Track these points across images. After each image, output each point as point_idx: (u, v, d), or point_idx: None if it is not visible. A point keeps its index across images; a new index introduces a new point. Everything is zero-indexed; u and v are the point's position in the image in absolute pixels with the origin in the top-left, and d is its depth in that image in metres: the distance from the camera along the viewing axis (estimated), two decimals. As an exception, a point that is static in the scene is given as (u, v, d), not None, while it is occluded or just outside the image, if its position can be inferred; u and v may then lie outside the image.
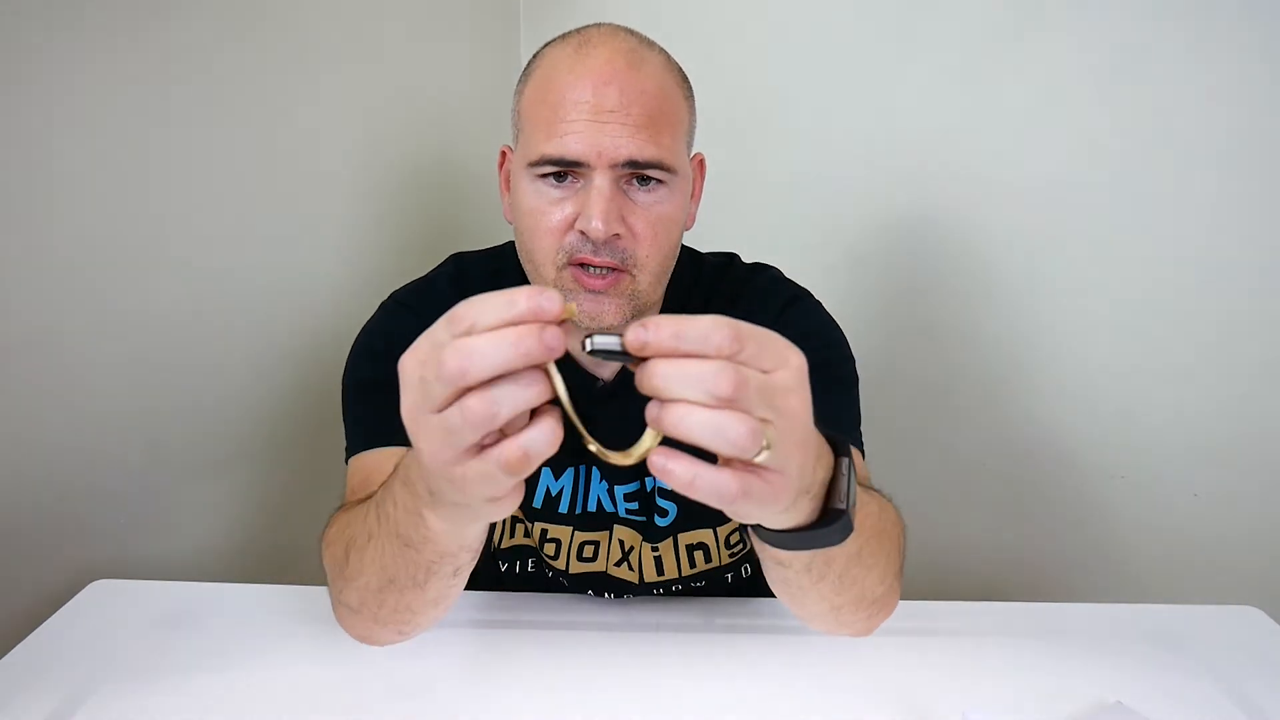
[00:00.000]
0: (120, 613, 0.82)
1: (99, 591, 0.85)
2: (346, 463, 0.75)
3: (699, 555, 0.82)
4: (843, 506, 0.49)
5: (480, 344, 0.38)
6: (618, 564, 0.82)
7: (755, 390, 0.39)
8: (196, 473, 1.01)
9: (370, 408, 0.74)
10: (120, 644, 0.77)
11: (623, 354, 0.39)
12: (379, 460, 0.70)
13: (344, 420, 0.76)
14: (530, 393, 0.38)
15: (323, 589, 0.85)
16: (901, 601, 0.83)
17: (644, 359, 0.39)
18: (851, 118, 1.35)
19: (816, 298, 0.82)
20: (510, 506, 0.44)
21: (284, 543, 1.14)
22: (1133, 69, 1.20)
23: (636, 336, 0.38)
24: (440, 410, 0.39)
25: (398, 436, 0.59)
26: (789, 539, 0.49)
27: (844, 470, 0.49)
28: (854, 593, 0.60)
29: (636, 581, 0.82)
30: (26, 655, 0.75)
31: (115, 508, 0.93)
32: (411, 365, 0.41)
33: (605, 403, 0.76)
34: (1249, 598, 0.88)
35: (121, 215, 0.89)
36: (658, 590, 0.84)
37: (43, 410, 0.86)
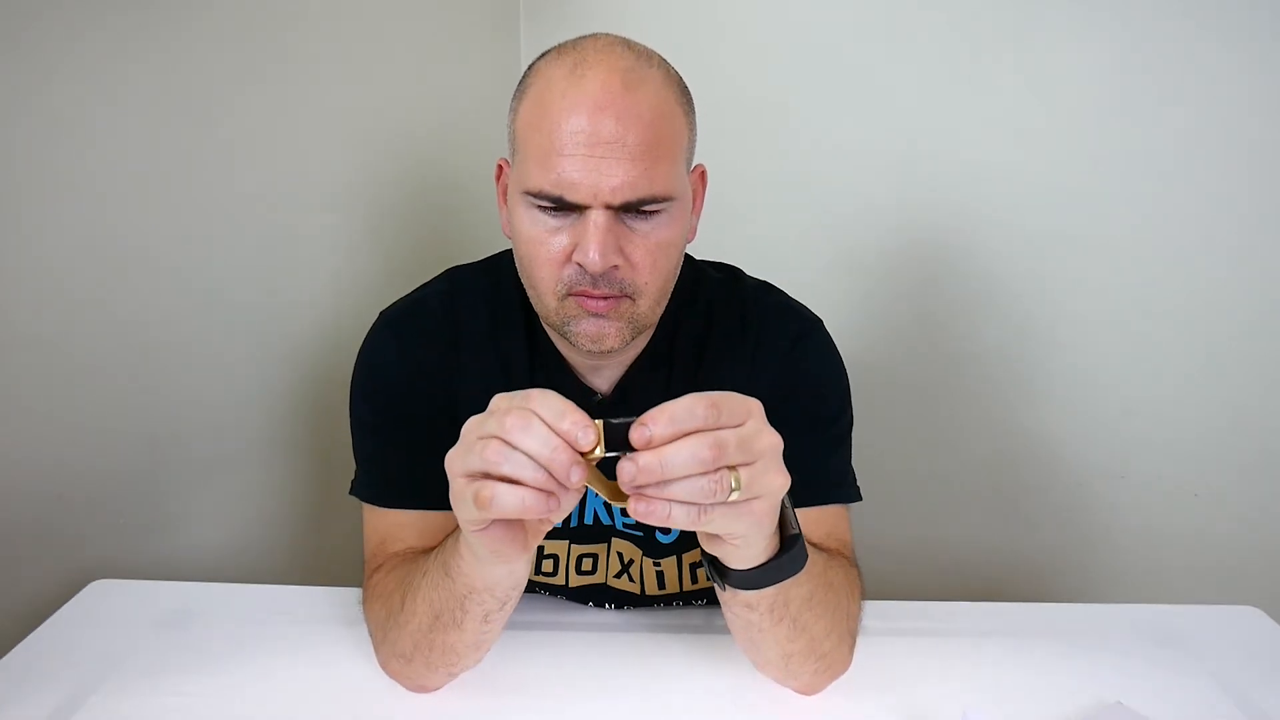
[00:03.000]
0: (120, 613, 0.82)
1: (99, 591, 0.85)
2: (352, 491, 0.77)
3: (701, 573, 0.82)
4: (796, 531, 0.57)
5: (537, 427, 0.48)
6: (617, 576, 0.82)
7: (734, 445, 0.48)
8: (196, 473, 1.01)
9: (379, 456, 0.77)
10: (120, 644, 0.77)
11: (629, 446, 0.48)
12: (396, 525, 0.75)
13: (352, 444, 0.78)
14: (530, 474, 0.48)
15: (322, 590, 0.86)
16: (901, 602, 0.84)
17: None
18: (852, 119, 1.35)
19: (825, 328, 0.80)
20: (503, 550, 0.54)
21: (284, 543, 1.15)
22: (1133, 72, 1.21)
23: (641, 435, 0.47)
24: (479, 438, 0.50)
25: (412, 500, 0.74)
26: (757, 576, 0.57)
27: (786, 504, 0.57)
28: (804, 640, 0.66)
29: (638, 593, 0.82)
30: (26, 655, 0.75)
31: (115, 508, 0.93)
32: (495, 402, 0.51)
33: (602, 414, 0.76)
34: (1249, 598, 0.88)
35: (122, 218, 0.89)
36: (659, 604, 0.84)
37: (43, 410, 0.86)
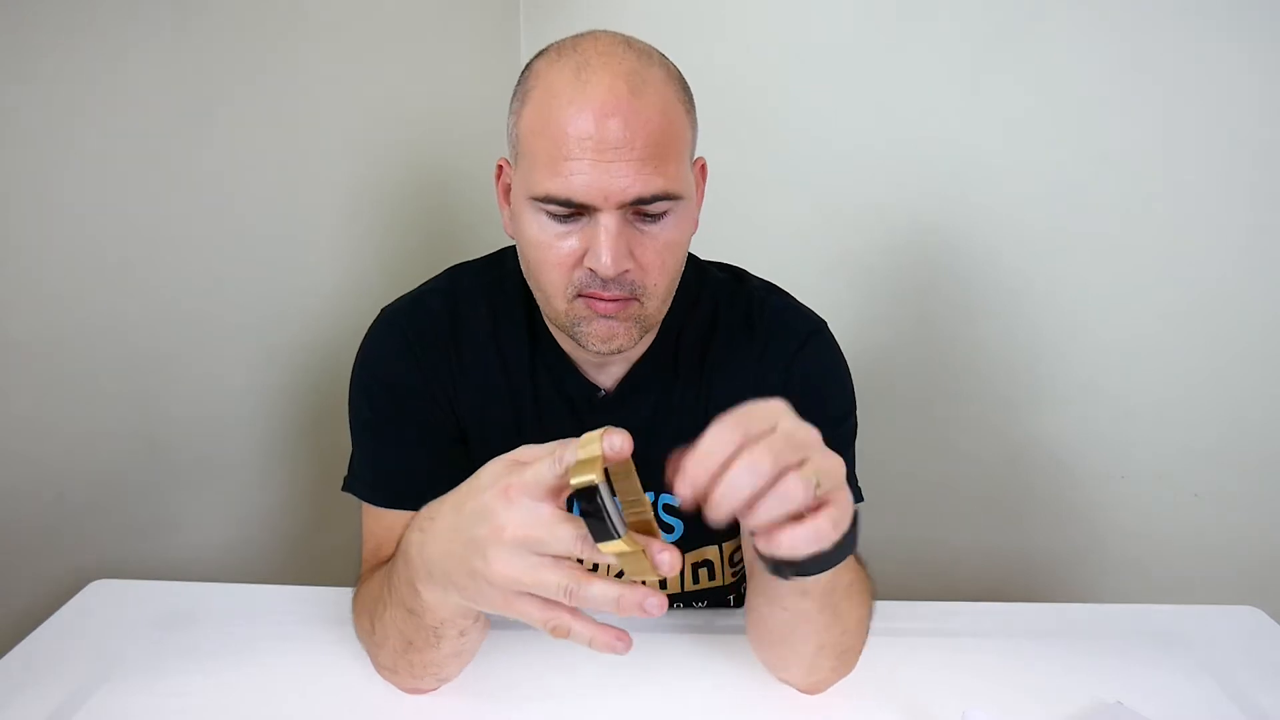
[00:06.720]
0: (120, 613, 0.82)
1: (99, 591, 0.85)
2: (347, 485, 0.76)
3: (703, 573, 0.82)
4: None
5: (593, 587, 0.54)
6: (618, 576, 0.81)
7: (782, 445, 0.46)
8: (196, 473, 1.01)
9: (376, 454, 0.76)
10: (120, 644, 0.77)
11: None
12: (388, 529, 0.74)
13: (351, 441, 0.78)
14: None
15: (322, 589, 0.86)
16: (901, 602, 0.84)
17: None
18: (852, 119, 1.35)
19: (830, 330, 0.80)
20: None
21: (284, 542, 1.15)
22: (1134, 72, 1.21)
23: (685, 496, 0.46)
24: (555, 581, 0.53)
25: (406, 500, 0.72)
26: (825, 558, 0.53)
27: None
28: (838, 630, 0.66)
29: None
30: (26, 655, 0.75)
31: (115, 508, 0.93)
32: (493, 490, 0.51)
33: (607, 411, 0.76)
34: (1249, 598, 0.88)
35: (121, 217, 0.89)
36: None
37: (43, 411, 0.86)
